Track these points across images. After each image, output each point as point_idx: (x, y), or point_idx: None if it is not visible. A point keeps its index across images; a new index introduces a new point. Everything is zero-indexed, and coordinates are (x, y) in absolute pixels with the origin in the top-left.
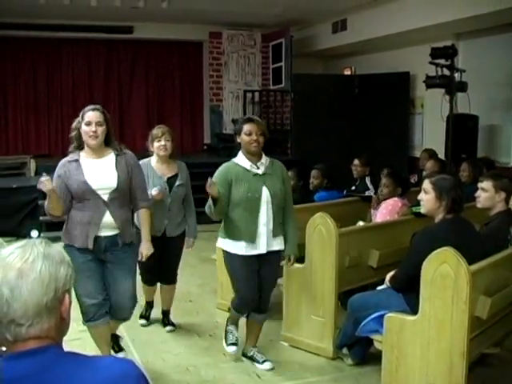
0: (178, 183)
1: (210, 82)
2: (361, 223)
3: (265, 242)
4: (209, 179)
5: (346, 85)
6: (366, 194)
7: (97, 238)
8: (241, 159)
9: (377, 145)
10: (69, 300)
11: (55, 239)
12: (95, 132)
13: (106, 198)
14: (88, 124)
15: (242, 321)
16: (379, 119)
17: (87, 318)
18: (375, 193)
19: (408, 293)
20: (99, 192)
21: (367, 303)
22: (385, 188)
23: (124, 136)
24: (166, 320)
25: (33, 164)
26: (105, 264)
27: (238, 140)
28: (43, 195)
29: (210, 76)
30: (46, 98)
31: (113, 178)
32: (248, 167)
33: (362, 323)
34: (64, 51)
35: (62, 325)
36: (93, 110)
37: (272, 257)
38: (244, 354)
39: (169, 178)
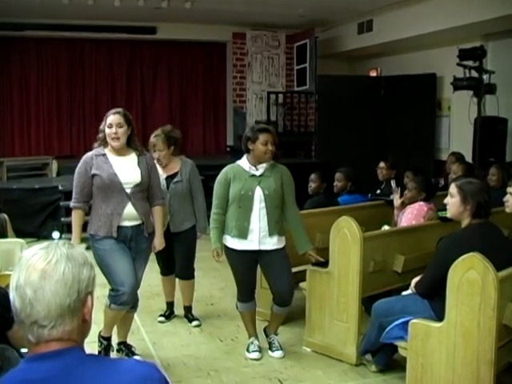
0: (175, 180)
1: (234, 83)
2: (386, 227)
3: (257, 238)
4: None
5: (372, 86)
6: (391, 197)
7: (122, 228)
8: (243, 161)
9: (403, 147)
10: (91, 302)
11: None
12: (116, 133)
13: (128, 191)
14: (110, 126)
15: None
16: (405, 121)
17: (118, 302)
18: (401, 197)
19: (434, 299)
20: (124, 185)
21: (392, 309)
22: (408, 192)
23: (147, 137)
24: (190, 316)
25: (55, 165)
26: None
27: (250, 147)
28: (65, 196)
29: (234, 77)
30: (68, 98)
31: (137, 174)
32: (247, 168)
33: (387, 329)
34: (87, 52)
35: (85, 327)
36: (114, 113)
37: (275, 254)
38: (265, 333)
39: (168, 177)
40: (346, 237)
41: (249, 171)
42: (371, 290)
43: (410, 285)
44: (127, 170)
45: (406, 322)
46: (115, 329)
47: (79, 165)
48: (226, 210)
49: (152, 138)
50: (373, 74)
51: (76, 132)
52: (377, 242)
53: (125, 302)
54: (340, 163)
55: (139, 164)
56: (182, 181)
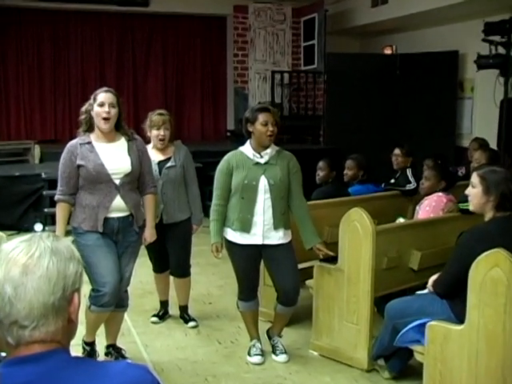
0: (168, 165)
1: (235, 61)
2: (401, 220)
3: (261, 232)
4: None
5: (386, 65)
6: (407, 187)
7: (108, 220)
8: (246, 148)
9: (420, 133)
10: (78, 300)
11: None
12: (108, 113)
13: (117, 182)
14: (101, 105)
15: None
16: (423, 104)
17: (99, 303)
18: (417, 186)
19: (453, 299)
20: (113, 176)
21: (407, 309)
22: (426, 181)
23: (139, 121)
24: (186, 316)
25: (37, 150)
26: (116, 245)
27: (250, 129)
28: (49, 185)
29: (235, 55)
30: (51, 77)
31: (127, 163)
32: (250, 156)
33: (401, 332)
34: (72, 25)
35: (70, 327)
36: (106, 91)
37: (280, 248)
38: (268, 336)
39: (160, 161)
40: (356, 230)
41: (253, 159)
42: (384, 288)
43: (426, 283)
44: (116, 158)
45: (423, 325)
46: (101, 332)
47: (63, 154)
48: (228, 201)
49: (157, 116)
50: (387, 51)
51: (60, 114)
52: (391, 236)
53: (106, 304)
54: (351, 150)
55: (129, 151)
56: (176, 166)
